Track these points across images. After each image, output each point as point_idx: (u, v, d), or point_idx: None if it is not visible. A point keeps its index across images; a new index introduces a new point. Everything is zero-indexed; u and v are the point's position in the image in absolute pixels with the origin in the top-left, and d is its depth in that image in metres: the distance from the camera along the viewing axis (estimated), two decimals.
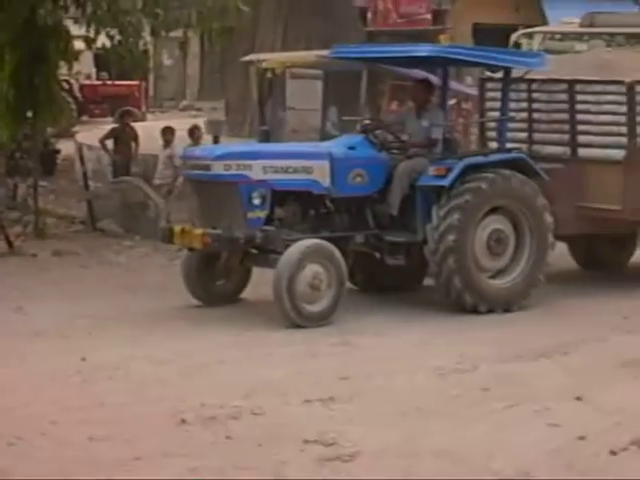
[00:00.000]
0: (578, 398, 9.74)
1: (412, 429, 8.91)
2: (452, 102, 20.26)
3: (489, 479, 7.84)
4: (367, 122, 14.31)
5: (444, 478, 7.85)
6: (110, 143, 21.36)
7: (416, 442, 8.58)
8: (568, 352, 11.48)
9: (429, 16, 31.73)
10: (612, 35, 22.51)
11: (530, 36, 22.88)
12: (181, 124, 23.94)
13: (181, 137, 20.19)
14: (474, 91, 16.64)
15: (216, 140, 19.51)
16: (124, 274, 15.86)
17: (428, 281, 13.87)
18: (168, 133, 20.01)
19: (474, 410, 9.47)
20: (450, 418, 9.26)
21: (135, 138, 21.37)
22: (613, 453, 8.32)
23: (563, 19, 25.64)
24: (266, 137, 18.21)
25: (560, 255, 15.06)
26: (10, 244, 18.42)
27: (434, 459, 8.21)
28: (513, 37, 22.90)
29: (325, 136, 15.78)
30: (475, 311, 13.09)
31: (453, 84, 20.30)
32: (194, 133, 19.97)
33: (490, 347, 11.64)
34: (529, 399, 9.71)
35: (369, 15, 31.00)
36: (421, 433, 8.81)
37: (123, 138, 21.25)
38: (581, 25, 22.97)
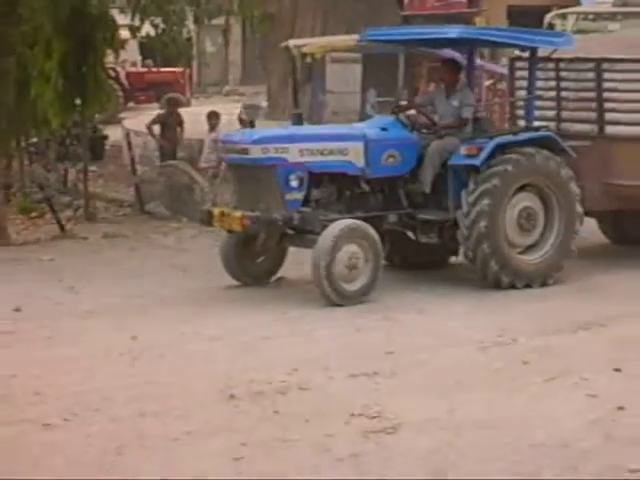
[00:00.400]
0: (616, 369, 9.72)
1: (454, 402, 8.89)
2: (488, 82, 20.23)
3: (530, 450, 7.81)
4: (399, 103, 14.27)
5: (485, 449, 7.82)
6: (157, 128, 21.42)
7: (458, 414, 8.58)
8: (605, 325, 11.45)
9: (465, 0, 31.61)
10: None
11: (564, 17, 22.72)
12: (225, 109, 24.03)
13: (227, 121, 20.24)
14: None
15: (252, 124, 19.50)
16: (172, 255, 15.90)
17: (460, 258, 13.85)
18: (213, 117, 20.06)
19: (514, 383, 9.46)
20: (491, 391, 9.24)
21: (181, 123, 21.41)
22: None
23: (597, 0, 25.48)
24: (299, 120, 18.17)
25: (591, 231, 15.01)
26: (62, 227, 18.53)
27: (475, 431, 8.19)
28: (547, 18, 22.74)
29: (364, 118, 15.72)
30: (512, 287, 13.05)
31: (488, 65, 20.28)
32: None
33: (529, 321, 11.62)
34: (568, 371, 9.69)
35: (406, 0, 30.86)
36: (463, 405, 8.80)
37: (169, 124, 21.29)
38: (614, 5, 22.80)
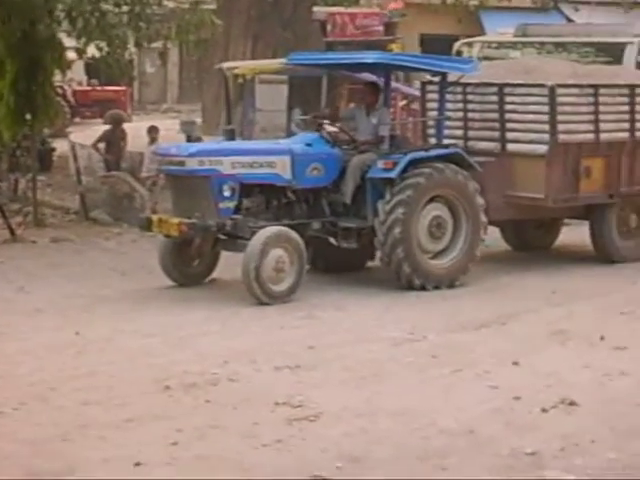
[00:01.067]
0: (514, 363, 9.82)
1: (370, 392, 8.95)
2: (403, 103, 20.34)
3: (438, 435, 7.87)
4: (322, 121, 14.32)
5: (397, 435, 7.87)
6: (102, 144, 21.29)
7: (373, 403, 8.63)
8: (505, 323, 11.56)
9: (381, 28, 31.71)
10: (542, 44, 22.56)
11: (470, 45, 22.87)
12: (164, 125, 23.92)
13: (164, 135, 20.17)
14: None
15: (189, 139, 19.45)
16: (114, 258, 15.80)
17: (377, 262, 13.90)
18: (153, 131, 19.99)
19: (424, 375, 9.52)
20: (403, 382, 9.31)
21: (124, 138, 21.30)
22: (544, 410, 8.41)
23: (499, 30, 25.69)
24: (232, 135, 18.17)
25: (494, 239, 15.14)
26: (12, 232, 18.33)
27: (389, 418, 8.25)
28: (455, 46, 22.87)
29: (290, 134, 15.75)
30: (423, 289, 13.12)
31: (402, 87, 20.38)
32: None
33: (437, 319, 11.70)
34: (472, 364, 9.78)
35: (328, 27, 30.89)
36: (378, 395, 8.86)
37: (113, 139, 21.17)
38: (515, 35, 22.98)
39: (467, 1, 26.39)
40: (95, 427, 8.04)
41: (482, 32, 27.72)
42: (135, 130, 23.69)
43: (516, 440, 7.71)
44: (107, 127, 21.77)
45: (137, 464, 7.25)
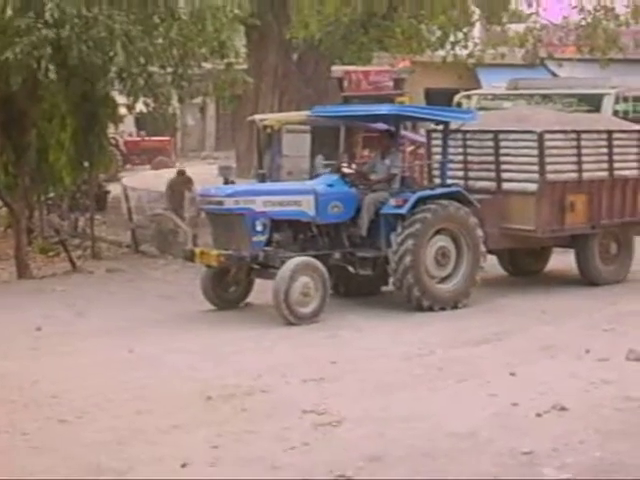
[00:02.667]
0: (511, 374, 9.77)
1: (385, 400, 8.93)
2: (411, 148, 20.36)
3: (445, 437, 7.85)
4: (342, 165, 14.37)
5: (409, 437, 7.85)
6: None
7: (388, 410, 8.60)
8: (502, 339, 11.51)
9: (391, 83, 31.81)
10: (531, 95, 22.60)
11: (469, 97, 22.97)
12: (203, 169, 24.02)
13: (205, 179, 20.25)
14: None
15: (226, 181, 19.52)
16: (160, 286, 15.83)
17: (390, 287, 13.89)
18: (188, 182, 20.17)
19: (432, 385, 9.49)
20: (413, 391, 9.27)
21: (189, 183, 21.02)
22: (538, 415, 8.36)
23: (493, 84, 25.76)
24: (262, 178, 18.22)
25: (491, 265, 15.11)
26: (73, 264, 18.44)
27: (402, 423, 8.22)
28: (456, 98, 22.98)
29: (314, 176, 15.77)
30: (430, 310, 13.10)
31: (410, 134, 20.40)
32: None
33: (443, 336, 11.65)
34: (474, 375, 9.74)
35: (345, 83, 31.01)
36: (392, 403, 8.83)
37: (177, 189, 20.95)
38: (507, 88, 23.07)
39: (466, 59, 26.41)
40: (147, 433, 8.06)
41: (479, 86, 27.79)
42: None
43: (514, 441, 7.67)
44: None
45: (183, 465, 7.26)
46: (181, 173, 21.40)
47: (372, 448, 7.56)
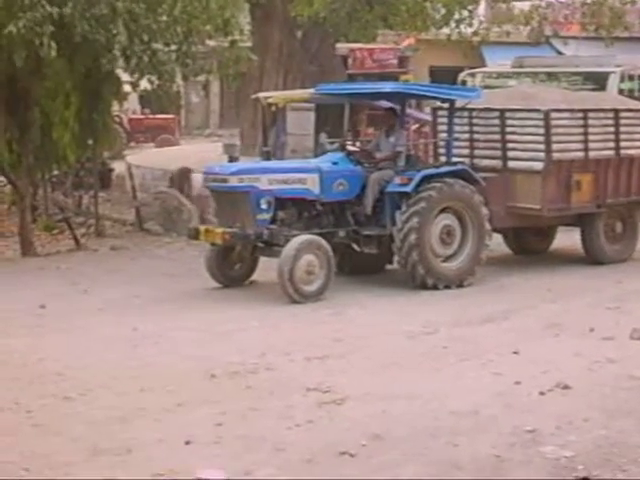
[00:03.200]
0: (515, 352, 9.79)
1: (389, 378, 8.95)
2: (415, 126, 20.30)
3: (448, 415, 7.86)
4: (347, 143, 14.33)
5: (413, 415, 7.86)
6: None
7: (392, 388, 8.61)
8: (507, 317, 11.52)
9: (396, 61, 31.65)
10: (536, 74, 22.50)
11: (473, 75, 22.83)
12: (207, 147, 23.98)
13: (209, 157, 20.20)
14: (431, 118, 16.63)
15: (231, 159, 19.49)
16: (165, 264, 15.84)
17: (395, 265, 13.89)
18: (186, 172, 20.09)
19: (436, 363, 9.50)
20: (418, 370, 9.29)
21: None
22: (542, 394, 8.37)
23: (498, 62, 25.63)
24: (268, 156, 18.17)
25: (497, 244, 15.10)
26: (77, 242, 18.45)
27: (406, 401, 8.23)
28: (460, 76, 22.86)
29: (318, 154, 15.74)
30: (435, 288, 13.10)
31: (415, 113, 20.34)
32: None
33: (447, 315, 11.66)
34: (478, 354, 9.75)
35: (349, 61, 30.86)
36: (396, 381, 8.85)
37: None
38: (512, 66, 22.94)
39: (471, 37, 26.29)
40: (150, 411, 8.06)
41: (484, 64, 27.63)
42: (182, 152, 23.79)
43: (517, 420, 7.68)
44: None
45: (187, 442, 7.27)
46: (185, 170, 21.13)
47: (375, 426, 7.56)
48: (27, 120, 17.47)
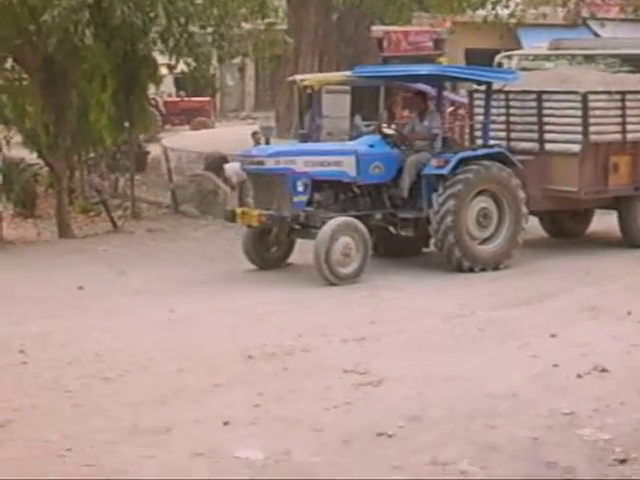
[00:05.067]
0: (552, 335, 9.76)
1: (425, 361, 8.95)
2: (450, 109, 20.22)
3: (486, 398, 7.86)
4: (383, 126, 14.31)
5: (450, 398, 7.87)
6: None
7: (428, 370, 8.61)
8: (543, 300, 11.48)
9: (431, 44, 31.55)
10: (573, 56, 22.34)
11: (509, 57, 22.69)
12: (242, 130, 24.00)
13: (243, 139, 20.24)
14: (467, 100, 16.57)
15: (267, 141, 19.53)
16: (201, 246, 15.91)
17: (431, 248, 13.88)
18: (256, 136, 20.09)
19: (472, 346, 9.50)
20: (454, 352, 9.29)
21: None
22: (579, 376, 8.36)
23: (535, 44, 25.47)
24: (304, 139, 18.18)
25: (533, 227, 15.05)
26: (114, 224, 18.56)
27: (442, 383, 8.24)
28: (496, 58, 22.72)
29: (353, 137, 15.73)
30: (471, 271, 13.07)
31: (451, 95, 20.27)
32: (255, 136, 20.01)
33: (484, 297, 11.64)
34: (515, 337, 9.74)
35: (384, 44, 30.79)
36: (432, 364, 8.84)
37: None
38: (549, 48, 22.78)
39: (507, 19, 26.15)
40: (188, 391, 8.11)
41: (520, 46, 27.48)
42: (218, 134, 23.83)
43: (554, 402, 7.67)
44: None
45: (225, 423, 7.31)
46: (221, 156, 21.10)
47: (412, 408, 7.57)
48: (64, 103, 17.59)
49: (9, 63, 18.39)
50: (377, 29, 29.53)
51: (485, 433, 7.09)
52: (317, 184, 13.00)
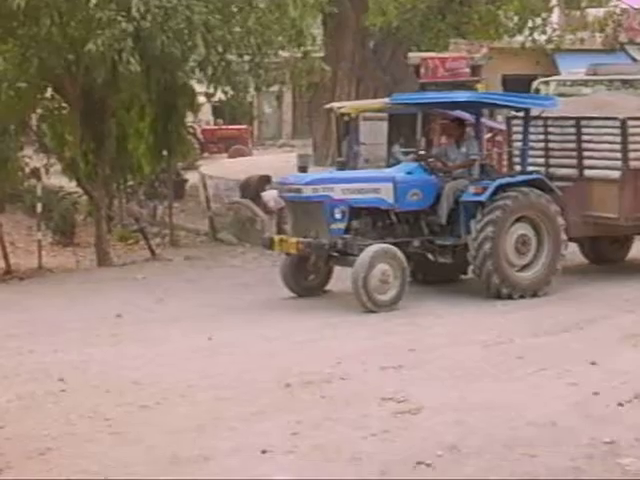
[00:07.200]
0: (592, 363, 9.66)
1: (464, 389, 8.89)
2: (488, 136, 20.18)
3: (525, 427, 7.79)
4: (420, 152, 14.32)
5: (489, 426, 7.81)
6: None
7: (467, 398, 8.56)
8: (583, 328, 11.39)
9: (468, 70, 31.55)
10: (611, 81, 22.28)
11: (547, 83, 22.67)
12: (280, 157, 24.07)
13: (282, 166, 20.28)
14: (504, 127, 16.53)
15: (304, 170, 19.59)
16: (239, 273, 15.94)
17: (469, 275, 13.82)
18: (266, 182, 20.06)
19: (511, 374, 9.42)
20: (493, 380, 9.22)
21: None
22: (620, 405, 8.26)
23: (572, 69, 25.42)
24: (342, 166, 18.21)
25: (572, 253, 14.95)
26: (152, 252, 18.65)
27: (481, 412, 8.17)
28: (534, 84, 22.70)
29: (390, 164, 15.72)
30: (510, 298, 13.01)
31: (489, 122, 20.23)
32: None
33: (522, 325, 11.57)
34: (554, 364, 9.65)
35: (422, 70, 30.82)
36: (471, 392, 8.78)
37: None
38: (586, 74, 22.73)
39: (544, 44, 26.12)
40: (226, 419, 8.09)
41: (557, 72, 27.42)
42: (255, 162, 23.91)
43: (595, 431, 7.58)
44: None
45: (263, 452, 7.28)
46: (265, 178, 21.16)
47: (451, 437, 7.52)
48: (103, 131, 17.73)
49: (49, 92, 18.56)
50: (414, 56, 29.55)
51: (525, 463, 7.02)
52: (355, 211, 13.01)
